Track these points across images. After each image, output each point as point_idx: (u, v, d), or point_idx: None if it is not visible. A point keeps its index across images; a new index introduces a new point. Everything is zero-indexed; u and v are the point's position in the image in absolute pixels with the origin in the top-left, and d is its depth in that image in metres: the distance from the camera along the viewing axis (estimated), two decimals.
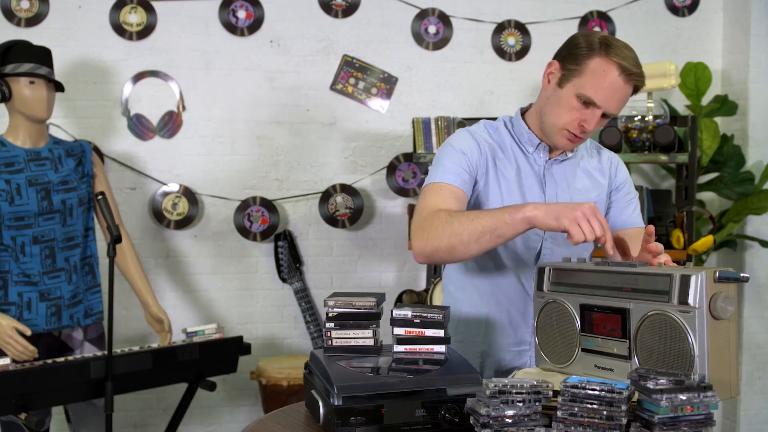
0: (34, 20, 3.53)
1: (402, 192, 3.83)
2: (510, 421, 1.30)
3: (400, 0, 3.85)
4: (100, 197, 2.57)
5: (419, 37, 3.87)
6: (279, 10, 3.75)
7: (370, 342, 1.65)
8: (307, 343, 3.78)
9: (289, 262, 3.70)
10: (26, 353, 2.52)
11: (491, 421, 1.30)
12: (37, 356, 2.56)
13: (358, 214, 3.80)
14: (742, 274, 1.42)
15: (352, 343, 1.65)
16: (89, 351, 2.77)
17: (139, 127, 3.64)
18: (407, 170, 3.82)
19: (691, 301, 1.40)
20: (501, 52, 3.93)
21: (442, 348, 1.64)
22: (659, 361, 1.45)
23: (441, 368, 1.54)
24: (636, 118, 3.40)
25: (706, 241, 3.17)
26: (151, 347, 2.77)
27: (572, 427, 1.29)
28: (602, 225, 1.62)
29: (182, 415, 3.00)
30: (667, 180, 4.03)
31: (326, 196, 3.78)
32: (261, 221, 3.71)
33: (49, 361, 2.53)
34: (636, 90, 1.87)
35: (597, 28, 4.00)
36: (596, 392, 1.29)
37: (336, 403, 1.41)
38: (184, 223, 3.67)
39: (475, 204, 1.93)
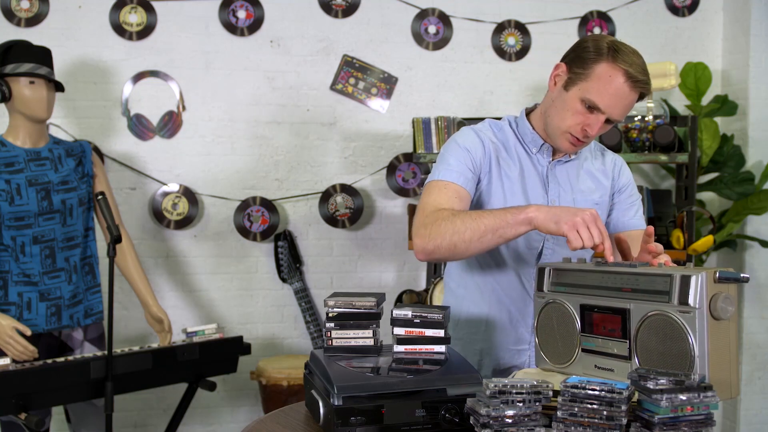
0: (34, 20, 3.53)
1: (402, 192, 3.83)
2: (510, 421, 1.30)
3: (400, 0, 3.85)
4: (100, 197, 2.57)
5: (419, 37, 3.87)
6: (279, 10, 3.75)
7: (370, 342, 1.65)
8: (307, 343, 3.78)
9: (289, 262, 3.70)
10: (26, 353, 2.52)
11: (491, 421, 1.30)
12: (37, 356, 2.56)
13: (358, 214, 3.80)
14: (742, 275, 1.42)
15: (352, 343, 1.65)
16: (89, 351, 2.77)
17: (139, 127, 3.64)
18: (407, 170, 3.82)
19: (691, 301, 1.40)
20: (501, 52, 3.93)
21: (442, 348, 1.64)
22: (659, 361, 1.45)
23: (441, 368, 1.54)
24: (636, 118, 3.40)
25: (706, 241, 3.17)
26: (151, 347, 2.77)
27: (572, 427, 1.29)
28: (602, 232, 1.62)
29: (182, 415, 3.00)
30: (667, 180, 4.03)
31: (326, 196, 3.78)
32: (261, 221, 3.71)
33: (49, 361, 2.53)
34: (642, 97, 1.86)
35: (597, 29, 4.00)
36: (596, 392, 1.29)
37: (336, 403, 1.41)
38: (184, 223, 3.67)
39: (477, 202, 1.94)
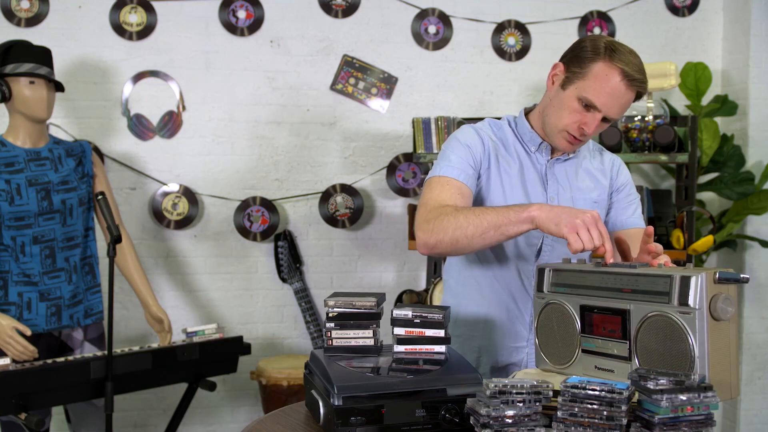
0: (34, 20, 3.52)
1: (402, 192, 3.83)
2: (510, 421, 1.30)
3: (400, 0, 3.85)
4: (100, 197, 2.57)
5: (419, 37, 3.87)
6: (279, 10, 3.75)
7: (371, 342, 1.65)
8: (307, 343, 3.78)
9: (289, 262, 3.70)
10: (26, 353, 2.52)
11: (491, 422, 1.30)
12: (37, 356, 2.56)
13: (358, 214, 3.80)
14: (742, 275, 1.42)
15: (353, 343, 1.65)
16: (89, 351, 2.77)
17: (139, 127, 3.64)
18: (407, 170, 3.82)
19: (691, 302, 1.40)
20: (501, 52, 3.93)
21: (442, 348, 1.64)
22: (659, 362, 1.45)
23: (441, 368, 1.54)
24: (636, 118, 3.40)
25: (706, 241, 3.17)
26: (151, 347, 2.77)
27: (572, 428, 1.29)
28: (602, 234, 1.62)
29: (182, 415, 3.00)
30: (667, 180, 4.03)
31: (326, 196, 3.78)
32: (261, 221, 3.71)
33: (49, 361, 2.53)
34: (639, 96, 1.88)
35: (597, 29, 4.00)
36: (596, 392, 1.29)
37: (336, 403, 1.41)
38: (184, 223, 3.67)
39: (477, 198, 1.95)
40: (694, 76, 3.78)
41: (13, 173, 2.63)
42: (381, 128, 3.85)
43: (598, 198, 2.02)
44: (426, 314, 1.64)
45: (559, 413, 1.31)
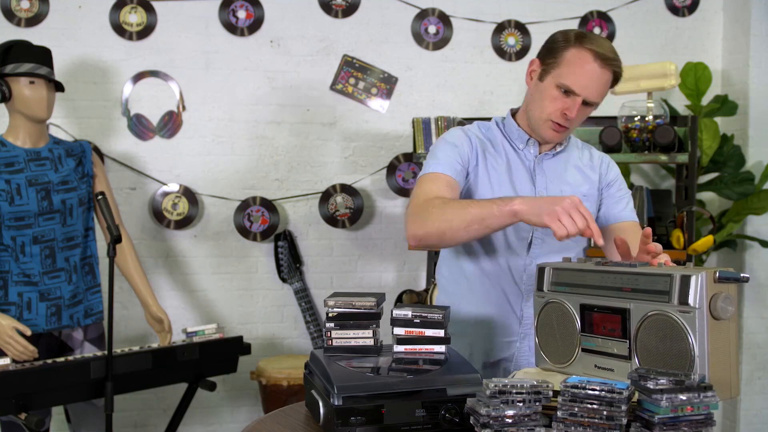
0: (34, 20, 3.53)
1: (402, 192, 3.83)
2: (510, 421, 1.30)
3: (400, 0, 3.85)
4: (100, 197, 2.57)
5: (419, 37, 3.87)
6: (279, 10, 3.75)
7: (370, 342, 1.65)
8: (307, 343, 3.78)
9: (289, 262, 3.70)
10: (26, 353, 2.51)
11: (491, 421, 1.30)
12: (37, 356, 2.55)
13: (358, 214, 3.80)
14: (742, 275, 1.42)
15: (352, 343, 1.65)
16: (89, 351, 2.77)
17: (139, 127, 3.64)
18: (407, 170, 3.82)
19: (691, 301, 1.40)
20: (501, 52, 3.93)
21: (442, 348, 1.64)
22: (659, 361, 1.45)
23: (441, 368, 1.54)
24: (636, 118, 3.40)
25: (706, 241, 3.17)
26: (151, 347, 2.77)
27: (572, 427, 1.29)
28: (585, 217, 1.65)
29: (182, 415, 3.00)
30: (667, 180, 4.03)
31: (326, 196, 3.78)
32: (261, 221, 3.71)
33: (49, 361, 2.53)
34: (616, 78, 1.93)
35: (597, 29, 4.00)
36: (596, 392, 1.29)
37: (336, 403, 1.41)
38: (184, 223, 3.67)
39: (466, 194, 2.00)
40: (694, 76, 3.78)
41: (13, 173, 2.63)
42: (381, 128, 3.85)
43: (588, 192, 2.05)
44: (426, 314, 1.64)
45: (559, 413, 1.30)
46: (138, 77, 3.63)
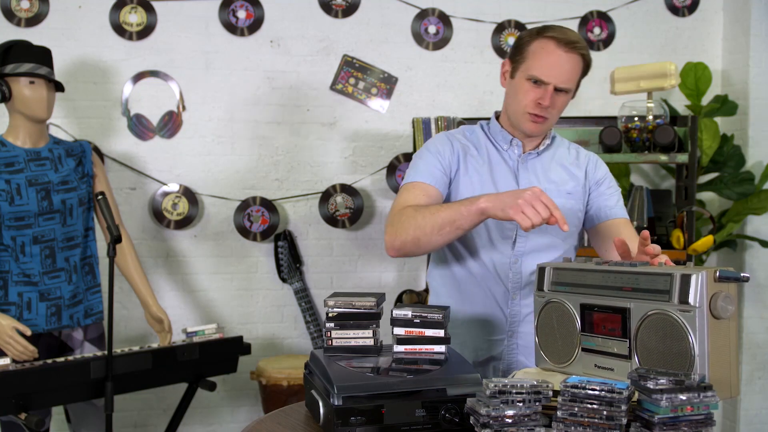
0: (34, 20, 3.53)
1: None
2: (510, 421, 1.30)
3: (400, 0, 3.85)
4: (100, 197, 2.57)
5: (419, 37, 3.87)
6: (279, 10, 3.75)
7: (370, 342, 1.65)
8: (307, 343, 3.78)
9: (289, 262, 3.70)
10: (26, 353, 2.51)
11: (491, 421, 1.30)
12: (37, 356, 2.55)
13: (358, 214, 3.80)
14: (742, 274, 1.42)
15: (352, 343, 1.65)
16: (89, 351, 2.77)
17: (139, 127, 3.64)
18: (407, 170, 3.81)
19: (691, 300, 1.40)
20: (501, 52, 3.93)
21: (442, 348, 1.64)
22: (659, 360, 1.45)
23: (441, 368, 1.54)
24: (636, 118, 3.40)
25: (706, 241, 3.17)
26: (151, 347, 2.77)
27: (572, 427, 1.29)
28: (547, 205, 1.69)
29: (182, 415, 3.00)
30: (667, 180, 4.03)
31: (326, 196, 3.78)
32: (261, 221, 3.71)
33: (49, 361, 2.53)
34: (587, 63, 1.99)
35: (597, 28, 4.00)
36: (596, 392, 1.29)
37: (336, 403, 1.41)
38: (184, 223, 3.67)
39: (451, 197, 2.04)
40: (694, 76, 3.78)
41: (13, 173, 2.63)
42: (381, 128, 3.85)
43: (573, 190, 2.08)
44: (426, 314, 1.64)
45: (559, 413, 1.30)
46: (138, 77, 3.63)
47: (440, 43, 3.89)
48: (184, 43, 3.67)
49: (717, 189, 3.84)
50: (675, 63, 3.41)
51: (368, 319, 1.66)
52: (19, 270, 2.64)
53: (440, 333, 1.64)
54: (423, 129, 3.49)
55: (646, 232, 1.71)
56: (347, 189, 3.79)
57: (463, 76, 3.90)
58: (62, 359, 2.55)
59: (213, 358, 2.89)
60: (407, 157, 3.80)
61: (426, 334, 1.64)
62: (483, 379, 1.40)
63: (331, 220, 3.78)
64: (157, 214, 3.64)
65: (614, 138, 3.32)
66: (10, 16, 3.51)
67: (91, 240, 2.83)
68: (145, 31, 3.62)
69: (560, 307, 1.66)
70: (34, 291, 2.66)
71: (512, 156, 2.07)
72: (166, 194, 3.64)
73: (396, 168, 3.82)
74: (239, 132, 3.74)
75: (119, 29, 3.60)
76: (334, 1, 3.78)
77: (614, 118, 3.45)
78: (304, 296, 3.71)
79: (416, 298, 3.71)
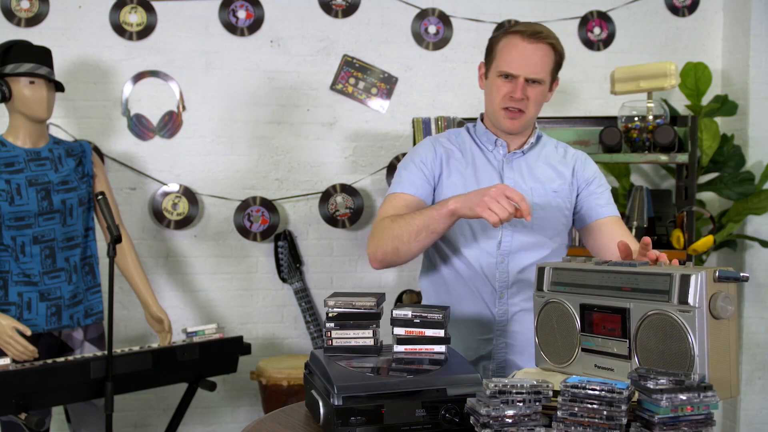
0: (34, 20, 3.53)
1: None
2: (510, 421, 1.30)
3: (400, 0, 3.85)
4: (100, 197, 2.57)
5: (419, 37, 3.87)
6: (279, 10, 3.75)
7: (370, 342, 1.65)
8: (307, 343, 3.78)
9: (289, 262, 3.70)
10: (26, 353, 2.51)
11: (491, 421, 1.30)
12: (37, 356, 2.55)
13: (358, 214, 3.80)
14: (742, 274, 1.42)
15: (352, 343, 1.65)
16: (89, 351, 2.77)
17: (139, 127, 3.64)
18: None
19: (691, 300, 1.40)
20: None
21: (442, 348, 1.64)
22: (659, 360, 1.45)
23: (441, 368, 1.55)
24: (636, 118, 3.40)
25: (706, 241, 3.17)
26: (151, 347, 2.77)
27: (572, 427, 1.29)
28: (513, 198, 1.74)
29: (182, 415, 3.00)
30: (667, 180, 4.03)
31: (326, 196, 3.78)
32: (261, 221, 3.71)
33: (49, 361, 2.53)
34: (558, 53, 2.01)
35: (597, 28, 4.00)
36: (596, 392, 1.29)
37: (336, 403, 1.41)
38: (184, 223, 3.67)
39: (436, 201, 2.07)
40: (694, 76, 3.78)
41: (13, 173, 2.63)
42: (381, 128, 3.85)
43: (559, 188, 2.09)
44: (426, 314, 1.64)
45: (559, 413, 1.30)
46: (138, 77, 3.63)
47: (440, 43, 3.89)
48: (184, 43, 3.67)
49: (717, 189, 3.84)
50: (675, 63, 3.41)
51: (368, 319, 1.66)
52: (19, 270, 2.64)
53: (440, 333, 1.64)
54: (423, 129, 3.49)
55: (647, 239, 1.72)
56: (347, 189, 3.79)
57: (463, 76, 3.90)
58: (62, 359, 2.55)
59: (213, 358, 2.89)
60: None
61: (426, 334, 1.64)
62: (483, 379, 1.41)
63: (331, 220, 3.78)
64: (157, 214, 3.64)
65: (614, 138, 3.32)
66: (10, 16, 3.51)
67: (91, 240, 2.83)
68: (145, 31, 3.62)
69: (560, 307, 1.66)
70: (34, 291, 2.66)
71: (497, 156, 2.10)
72: (166, 194, 3.64)
73: (396, 168, 3.81)
74: (239, 132, 3.74)
75: (119, 29, 3.60)
76: (334, 1, 3.78)
77: (614, 118, 3.45)
78: (304, 296, 3.71)
79: (416, 298, 3.71)
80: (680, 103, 3.95)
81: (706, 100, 3.89)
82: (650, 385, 1.27)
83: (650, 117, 3.38)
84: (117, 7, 3.59)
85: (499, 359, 2.08)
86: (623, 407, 1.27)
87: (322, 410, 1.49)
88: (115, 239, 2.48)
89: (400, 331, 1.65)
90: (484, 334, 2.07)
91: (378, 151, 3.85)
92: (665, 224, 3.52)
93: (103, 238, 2.71)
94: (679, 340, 1.41)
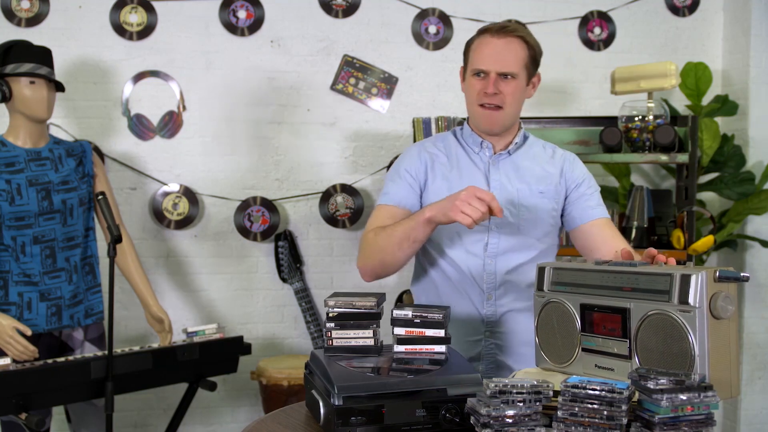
0: (34, 20, 3.53)
1: None
2: (510, 421, 1.30)
3: (401, 0, 3.85)
4: (100, 197, 2.57)
5: (419, 37, 3.87)
6: (279, 10, 3.75)
7: (371, 342, 1.65)
8: (307, 343, 3.78)
9: (290, 262, 3.70)
10: (26, 353, 2.52)
11: (492, 421, 1.30)
12: (38, 356, 2.55)
13: (359, 214, 3.80)
14: (742, 274, 1.42)
15: (353, 343, 1.65)
16: (89, 351, 2.77)
17: (139, 127, 3.64)
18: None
19: (691, 300, 1.40)
20: None
21: (442, 348, 1.64)
22: (659, 360, 1.45)
23: (441, 368, 1.55)
24: (636, 118, 3.40)
25: (706, 241, 3.17)
26: (152, 347, 2.77)
27: (573, 427, 1.29)
28: (483, 199, 1.77)
29: (182, 415, 3.00)
30: (668, 180, 4.03)
31: (326, 196, 3.78)
32: (261, 221, 3.71)
33: (50, 361, 2.53)
34: (530, 46, 2.05)
35: (597, 28, 4.00)
36: (597, 392, 1.29)
37: (336, 403, 1.41)
38: (184, 223, 3.67)
39: (424, 206, 2.07)
40: (695, 76, 3.78)
41: (14, 173, 2.63)
42: (381, 128, 3.85)
43: (546, 189, 2.10)
44: (426, 314, 1.64)
45: (559, 413, 1.31)
46: (138, 77, 3.63)
47: (440, 43, 3.89)
48: (184, 43, 3.67)
49: (717, 189, 3.84)
50: (675, 63, 3.42)
51: (368, 319, 1.66)
52: (19, 270, 2.64)
53: (440, 333, 1.64)
54: (423, 129, 3.49)
55: (652, 251, 1.72)
56: (347, 189, 3.79)
57: None
58: (62, 359, 2.55)
59: (213, 358, 2.89)
60: None
61: (426, 334, 1.65)
62: (484, 379, 1.41)
63: (332, 220, 3.78)
64: (158, 214, 3.64)
65: (614, 138, 3.32)
66: (10, 16, 3.51)
67: (92, 240, 2.83)
68: (146, 31, 3.62)
69: (560, 307, 1.66)
70: (34, 291, 2.66)
71: (483, 158, 2.12)
72: (166, 194, 3.64)
73: None
74: (239, 132, 3.74)
75: (119, 29, 3.60)
76: (335, 1, 3.78)
77: (614, 118, 3.45)
78: (304, 296, 3.71)
79: None
80: (680, 103, 3.95)
81: (706, 100, 3.89)
82: (650, 385, 1.27)
83: (650, 117, 3.38)
84: (117, 7, 3.59)
85: (488, 360, 2.09)
86: (623, 407, 1.27)
87: (322, 410, 1.49)
88: (116, 239, 2.48)
89: (400, 331, 1.65)
90: (473, 336, 2.08)
91: (378, 151, 3.85)
92: (665, 224, 3.53)
93: (104, 238, 2.71)
94: (679, 340, 1.41)
